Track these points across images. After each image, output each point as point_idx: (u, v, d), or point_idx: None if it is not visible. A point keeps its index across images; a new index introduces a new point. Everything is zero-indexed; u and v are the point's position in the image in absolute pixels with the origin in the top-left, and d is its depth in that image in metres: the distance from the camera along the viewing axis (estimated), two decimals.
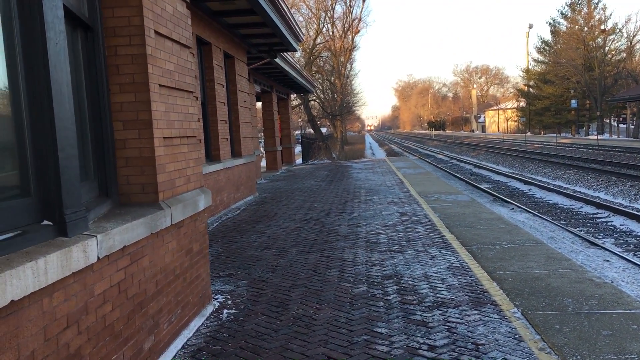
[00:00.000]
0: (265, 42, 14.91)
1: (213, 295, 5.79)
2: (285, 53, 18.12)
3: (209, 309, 5.38)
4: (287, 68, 19.99)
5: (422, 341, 4.40)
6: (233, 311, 5.40)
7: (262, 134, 25.70)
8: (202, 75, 11.66)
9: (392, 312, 5.11)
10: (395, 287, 5.88)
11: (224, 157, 12.23)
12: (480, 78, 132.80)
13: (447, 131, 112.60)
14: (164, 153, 4.40)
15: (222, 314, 5.33)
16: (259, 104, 25.02)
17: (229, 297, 5.86)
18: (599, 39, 57.76)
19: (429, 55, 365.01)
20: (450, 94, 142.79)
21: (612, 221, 12.04)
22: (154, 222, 4.02)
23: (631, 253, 9.08)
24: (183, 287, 4.72)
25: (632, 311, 4.87)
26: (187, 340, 4.66)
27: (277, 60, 17.35)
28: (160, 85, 4.37)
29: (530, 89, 69.42)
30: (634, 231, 10.90)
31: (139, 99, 4.15)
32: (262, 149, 26.18)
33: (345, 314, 5.11)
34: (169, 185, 4.49)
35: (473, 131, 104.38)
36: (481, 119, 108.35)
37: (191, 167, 5.08)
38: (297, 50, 18.91)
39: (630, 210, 12.56)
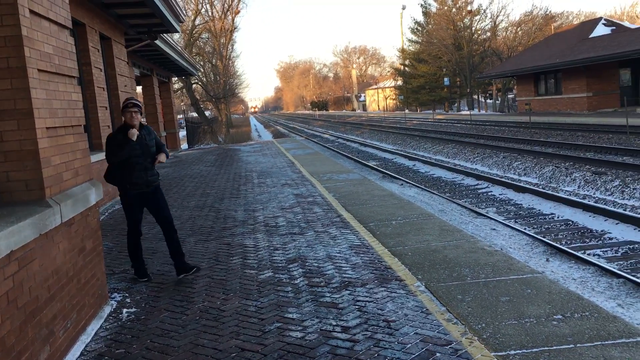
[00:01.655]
0: (145, 22, 14.15)
1: (110, 294, 5.42)
2: (165, 34, 17.34)
3: (107, 309, 5.03)
4: (168, 50, 19.18)
5: (335, 323, 4.40)
6: (133, 310, 5.09)
7: (144, 120, 24.54)
8: (78, 59, 10.82)
9: (301, 296, 5.07)
10: (300, 270, 5.85)
11: None
12: (359, 58, 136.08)
13: (330, 111, 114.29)
14: (49, 145, 3.99)
15: (121, 313, 5.01)
16: (139, 89, 23.87)
17: (127, 294, 5.52)
18: (466, 19, 61.18)
19: (309, 36, 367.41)
20: (331, 74, 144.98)
21: (491, 191, 12.86)
22: (43, 222, 3.64)
23: (512, 220, 9.73)
24: (77, 290, 4.36)
25: (524, 276, 5.19)
26: (86, 346, 4.32)
27: (158, 42, 16.58)
28: (39, 70, 3.95)
29: (406, 68, 72.00)
30: (512, 199, 11.72)
31: (15, 85, 3.72)
32: None
33: (254, 302, 4.99)
34: (56, 180, 4.10)
35: (355, 110, 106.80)
36: (362, 98, 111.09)
37: (79, 159, 4.68)
38: (178, 32, 18.21)
39: (506, 180, 13.48)
